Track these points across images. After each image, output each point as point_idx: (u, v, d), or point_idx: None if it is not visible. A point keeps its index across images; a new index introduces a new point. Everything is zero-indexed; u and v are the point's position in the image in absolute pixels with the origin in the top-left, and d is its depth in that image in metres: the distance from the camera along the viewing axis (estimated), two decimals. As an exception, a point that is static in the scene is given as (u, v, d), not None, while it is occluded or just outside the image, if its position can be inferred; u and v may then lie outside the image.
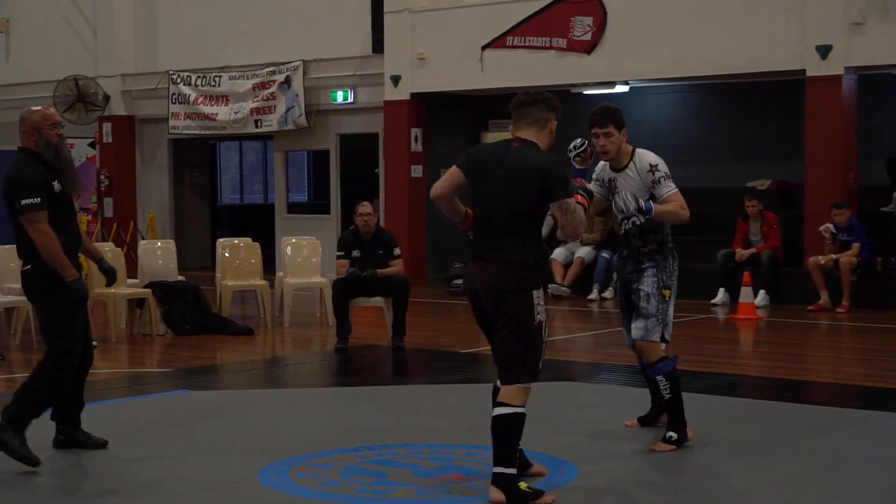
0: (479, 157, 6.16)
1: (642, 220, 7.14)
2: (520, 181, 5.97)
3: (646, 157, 7.16)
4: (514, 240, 5.98)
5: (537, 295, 5.99)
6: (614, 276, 16.17)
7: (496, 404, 6.02)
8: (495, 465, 5.95)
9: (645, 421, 7.70)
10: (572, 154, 7.15)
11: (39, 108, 7.11)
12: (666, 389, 7.14)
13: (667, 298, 7.12)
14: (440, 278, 18.33)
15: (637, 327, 7.10)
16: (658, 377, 7.14)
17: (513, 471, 5.93)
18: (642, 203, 6.92)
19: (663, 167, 7.16)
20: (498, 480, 5.93)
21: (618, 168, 7.15)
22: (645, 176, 7.08)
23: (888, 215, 15.49)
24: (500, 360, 6.04)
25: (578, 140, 7.23)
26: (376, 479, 6.53)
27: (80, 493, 6.49)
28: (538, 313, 5.99)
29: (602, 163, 7.30)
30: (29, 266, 6.82)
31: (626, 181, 7.13)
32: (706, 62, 16.12)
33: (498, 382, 6.17)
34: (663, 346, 7.24)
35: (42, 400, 6.81)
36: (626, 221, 7.21)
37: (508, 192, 5.98)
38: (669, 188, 7.11)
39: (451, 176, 6.18)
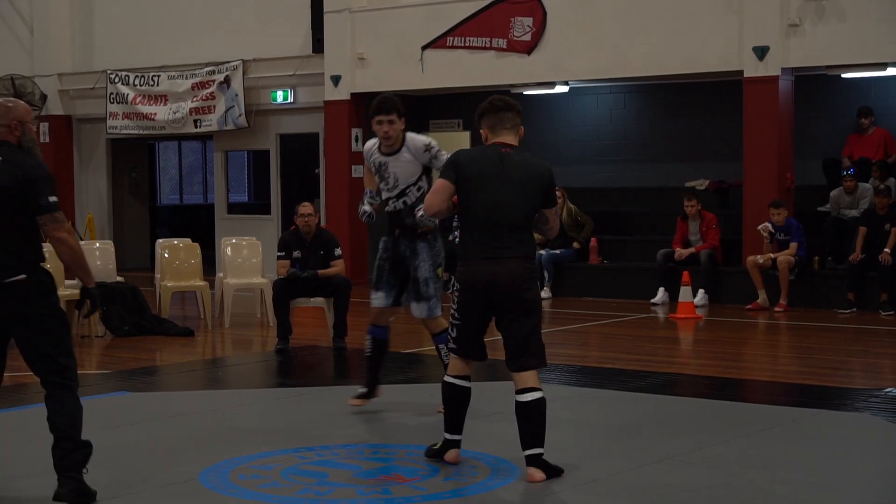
0: (471, 164, 6.60)
1: (416, 195, 7.93)
2: (526, 185, 6.56)
3: (417, 138, 8.02)
4: (522, 237, 6.59)
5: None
6: (545, 274, 16.27)
7: (524, 390, 6.59)
8: (533, 446, 6.48)
9: (369, 395, 8.37)
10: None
11: (15, 99, 6.43)
12: (447, 356, 7.61)
13: (440, 276, 8.02)
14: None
15: (421, 308, 7.98)
16: (441, 345, 7.98)
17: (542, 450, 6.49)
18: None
19: (436, 144, 8.03)
20: (536, 461, 6.46)
21: (390, 152, 7.98)
22: (422, 156, 7.94)
23: (825, 215, 15.68)
24: (515, 346, 6.68)
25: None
26: (317, 479, 6.52)
27: (22, 500, 6.42)
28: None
29: (369, 148, 8.12)
30: (24, 275, 6.02)
31: (398, 163, 7.97)
32: (645, 62, 16.23)
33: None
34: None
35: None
36: (396, 201, 7.99)
37: (516, 195, 6.54)
38: (445, 156, 7.72)
39: (443, 190, 6.59)
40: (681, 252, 15.53)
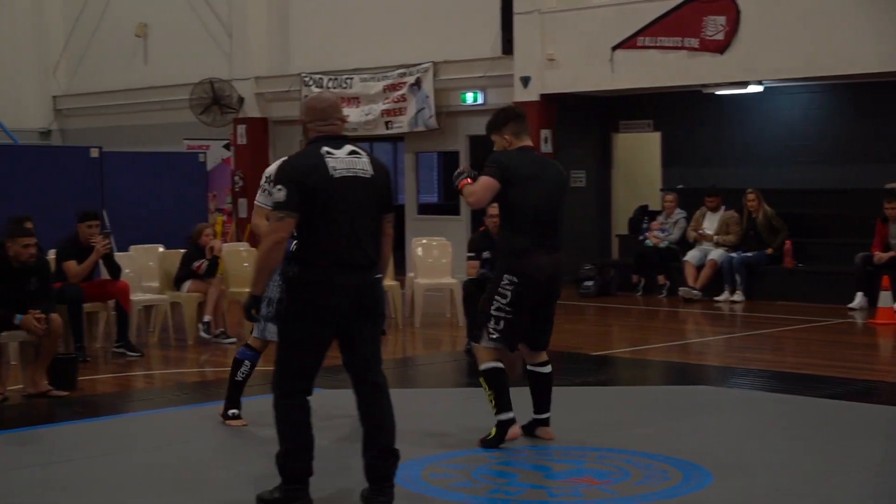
0: (516, 166, 7.18)
1: None
2: (560, 184, 7.34)
3: None
4: (560, 232, 7.31)
5: None
6: (737, 277, 15.97)
7: (544, 363, 7.46)
8: (547, 410, 7.47)
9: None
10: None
11: None
12: None
13: None
14: (570, 279, 18.24)
15: None
16: None
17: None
18: None
19: None
20: (548, 422, 7.48)
21: None
22: None
23: None
24: (546, 328, 7.39)
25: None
26: (507, 480, 6.55)
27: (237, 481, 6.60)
28: None
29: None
30: (381, 274, 6.09)
31: None
32: (843, 61, 15.78)
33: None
34: None
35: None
36: None
37: (555, 192, 7.28)
38: None
39: (492, 188, 7.14)
40: (881, 256, 15.05)
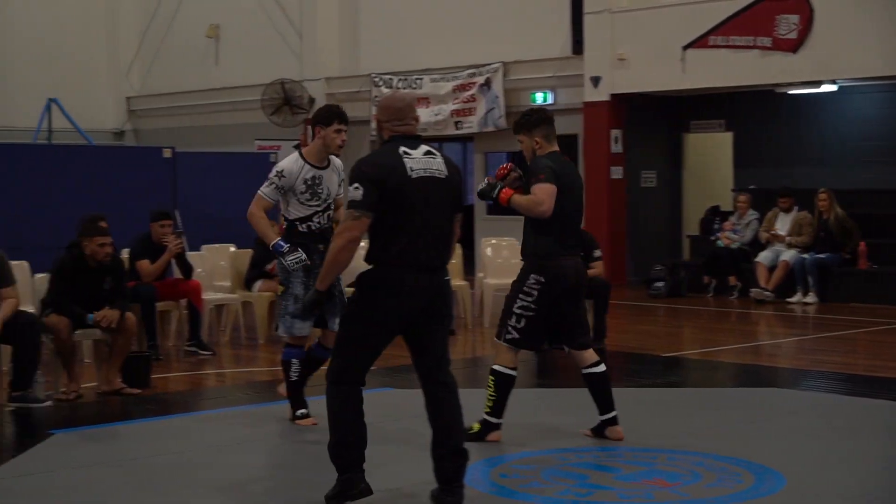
0: (563, 173, 7.24)
1: (332, 208, 7.98)
2: (582, 189, 7.50)
3: (336, 160, 8.07)
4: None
5: None
6: (809, 279, 15.78)
7: (594, 364, 7.41)
8: (612, 409, 7.41)
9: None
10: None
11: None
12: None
13: None
14: (640, 280, 18.17)
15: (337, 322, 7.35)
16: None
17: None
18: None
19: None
20: (617, 421, 7.42)
21: (323, 166, 7.94)
22: (341, 174, 8.07)
23: None
24: (577, 327, 7.38)
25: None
26: (577, 481, 6.52)
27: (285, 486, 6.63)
28: None
29: (296, 166, 7.88)
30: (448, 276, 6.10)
31: (330, 177, 7.94)
32: (918, 60, 15.56)
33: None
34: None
35: None
36: (321, 215, 7.93)
37: (581, 198, 7.48)
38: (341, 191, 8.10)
39: (554, 194, 7.14)
40: (956, 257, 14.84)
